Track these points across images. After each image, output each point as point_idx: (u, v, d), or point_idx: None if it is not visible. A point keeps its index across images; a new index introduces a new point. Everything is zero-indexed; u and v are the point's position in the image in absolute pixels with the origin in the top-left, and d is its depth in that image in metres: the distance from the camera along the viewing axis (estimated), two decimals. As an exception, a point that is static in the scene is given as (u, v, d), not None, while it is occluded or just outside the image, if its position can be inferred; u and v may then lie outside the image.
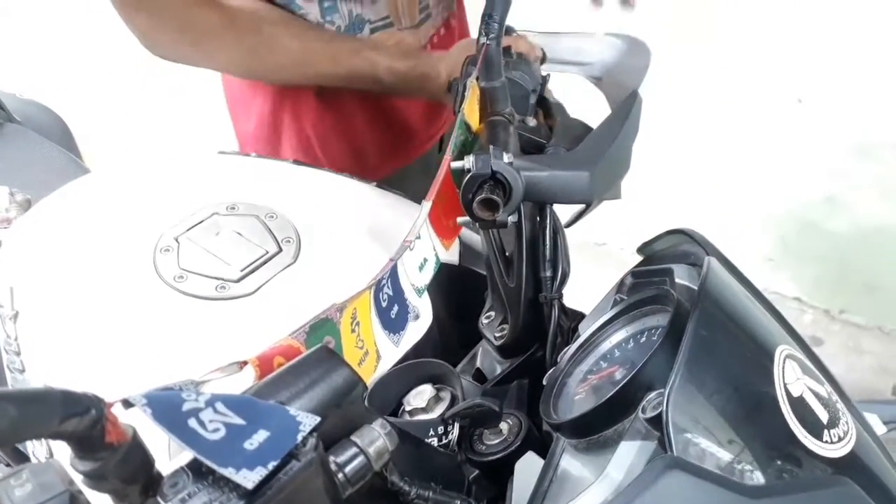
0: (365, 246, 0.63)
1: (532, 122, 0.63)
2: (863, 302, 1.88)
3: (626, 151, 0.58)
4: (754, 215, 1.93)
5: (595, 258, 2.13)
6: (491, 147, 0.51)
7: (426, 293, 0.55)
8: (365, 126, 0.91)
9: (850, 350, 1.83)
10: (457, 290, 0.67)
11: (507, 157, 0.50)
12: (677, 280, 0.51)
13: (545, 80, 0.68)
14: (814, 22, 1.63)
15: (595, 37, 0.77)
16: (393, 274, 0.49)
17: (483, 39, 0.55)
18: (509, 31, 0.79)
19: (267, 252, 0.59)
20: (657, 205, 2.05)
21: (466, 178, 0.50)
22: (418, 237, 0.51)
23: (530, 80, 0.65)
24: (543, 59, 0.76)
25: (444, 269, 0.56)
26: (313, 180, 0.74)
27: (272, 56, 0.78)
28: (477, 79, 0.57)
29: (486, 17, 0.55)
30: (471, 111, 0.57)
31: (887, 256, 1.78)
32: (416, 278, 0.53)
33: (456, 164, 0.51)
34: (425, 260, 0.53)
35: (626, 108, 0.59)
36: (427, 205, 0.52)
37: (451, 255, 0.66)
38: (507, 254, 0.60)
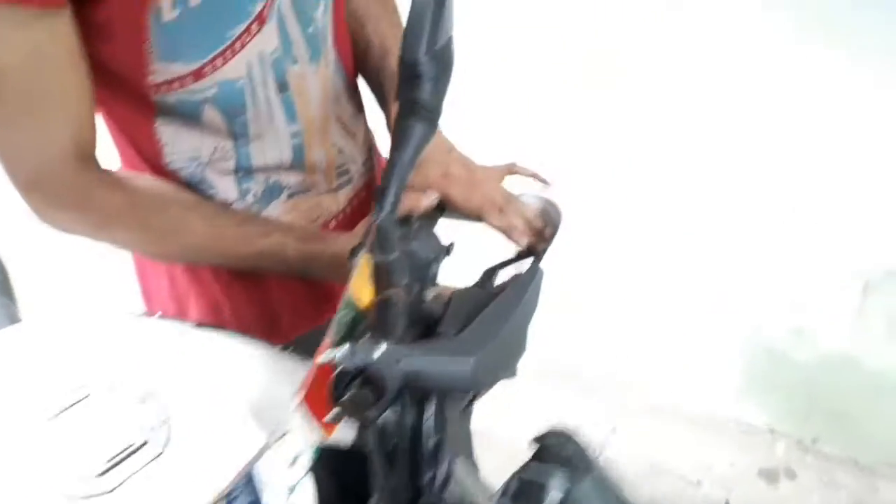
0: (244, 430, 0.58)
1: (431, 294, 0.60)
2: (835, 432, 1.82)
3: (520, 332, 0.55)
4: (721, 347, 1.89)
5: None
6: (367, 337, 0.47)
7: (304, 485, 0.50)
8: (279, 289, 0.88)
9: (825, 485, 1.76)
10: (351, 473, 0.62)
11: (380, 349, 0.46)
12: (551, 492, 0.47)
13: (449, 248, 0.66)
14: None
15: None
16: (249, 482, 0.45)
17: (375, 215, 0.52)
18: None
19: (132, 444, 0.54)
20: (627, 330, 2.02)
21: (334, 374, 0.46)
22: (285, 434, 0.47)
23: (431, 249, 0.62)
24: (441, 208, 0.75)
25: (337, 452, 0.52)
26: (209, 349, 0.70)
27: (179, 238, 0.75)
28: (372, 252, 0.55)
29: (380, 192, 0.53)
30: (359, 287, 0.55)
31: (855, 386, 1.74)
32: (284, 475, 0.49)
33: (323, 358, 0.47)
34: (296, 456, 0.49)
35: (524, 284, 0.56)
36: (298, 397, 0.49)
37: (345, 435, 0.62)
38: (388, 449, 0.56)
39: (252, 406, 0.61)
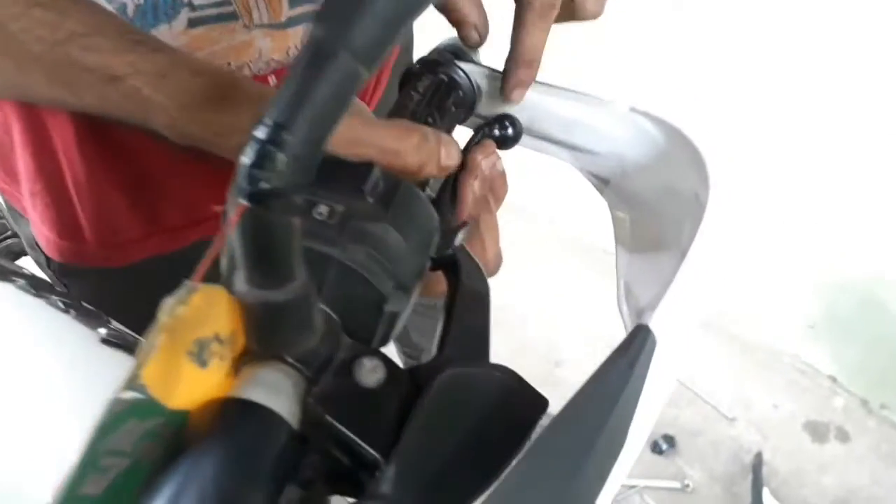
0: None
1: (370, 369, 0.28)
2: (911, 401, 1.53)
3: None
4: (805, 274, 1.56)
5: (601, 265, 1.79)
6: None
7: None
8: (160, 171, 0.55)
9: (880, 457, 1.49)
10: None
11: None
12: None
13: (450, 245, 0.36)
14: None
15: (611, 107, 0.42)
16: None
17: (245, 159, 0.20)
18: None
19: None
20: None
21: None
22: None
23: (398, 251, 0.32)
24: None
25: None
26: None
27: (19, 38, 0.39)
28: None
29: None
30: (171, 365, 0.21)
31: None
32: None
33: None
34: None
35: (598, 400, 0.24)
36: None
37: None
38: None
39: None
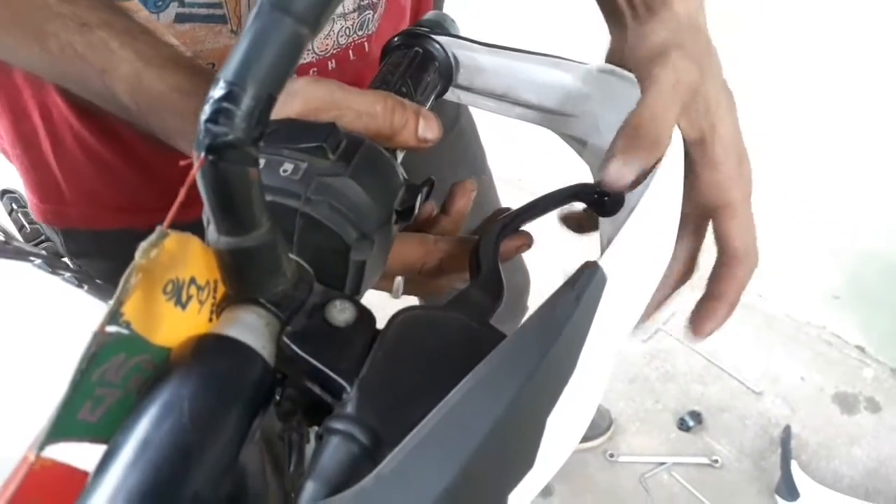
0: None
1: (340, 310, 0.29)
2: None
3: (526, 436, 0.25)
4: (827, 244, 1.55)
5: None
6: None
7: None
8: (141, 151, 0.57)
9: (914, 426, 1.48)
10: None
11: None
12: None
13: (417, 192, 0.37)
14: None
15: (585, 70, 0.43)
16: None
17: (202, 115, 0.22)
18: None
19: None
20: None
21: None
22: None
23: (368, 206, 0.34)
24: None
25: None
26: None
27: None
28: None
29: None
30: (151, 305, 0.23)
31: None
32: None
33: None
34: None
35: (546, 325, 0.25)
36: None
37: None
38: None
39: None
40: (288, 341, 0.27)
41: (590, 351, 0.26)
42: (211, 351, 0.25)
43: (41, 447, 0.21)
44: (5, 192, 0.71)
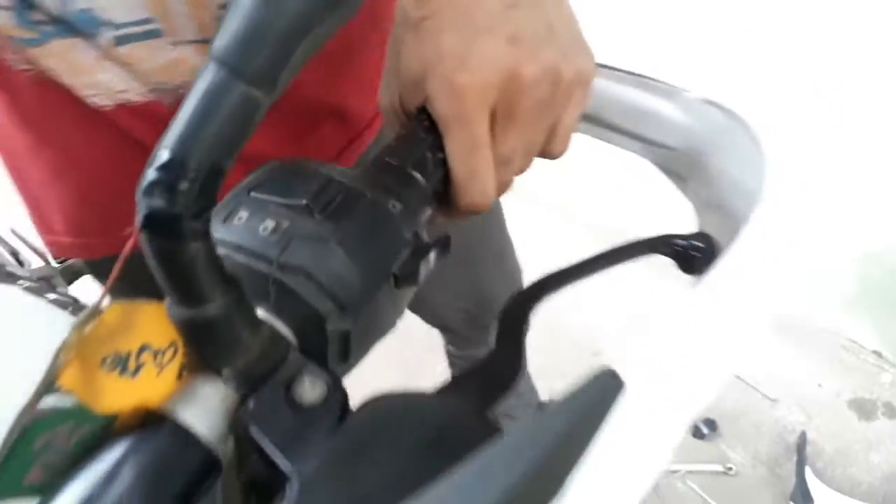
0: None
1: (309, 386, 0.27)
2: (961, 373, 1.49)
3: None
4: (843, 249, 1.54)
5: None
6: None
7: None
8: (108, 179, 0.57)
9: (932, 431, 1.46)
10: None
11: None
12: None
13: (425, 252, 0.33)
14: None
15: (686, 98, 0.38)
16: None
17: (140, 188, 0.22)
18: None
19: None
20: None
21: None
22: None
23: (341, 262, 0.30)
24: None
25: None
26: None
27: None
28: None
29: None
30: (89, 369, 0.24)
31: None
32: None
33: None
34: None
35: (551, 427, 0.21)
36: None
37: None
38: None
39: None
40: (243, 417, 0.26)
41: (592, 469, 0.22)
42: (151, 433, 0.25)
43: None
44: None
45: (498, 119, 0.34)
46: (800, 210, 0.30)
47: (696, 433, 1.51)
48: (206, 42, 0.51)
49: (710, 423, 1.52)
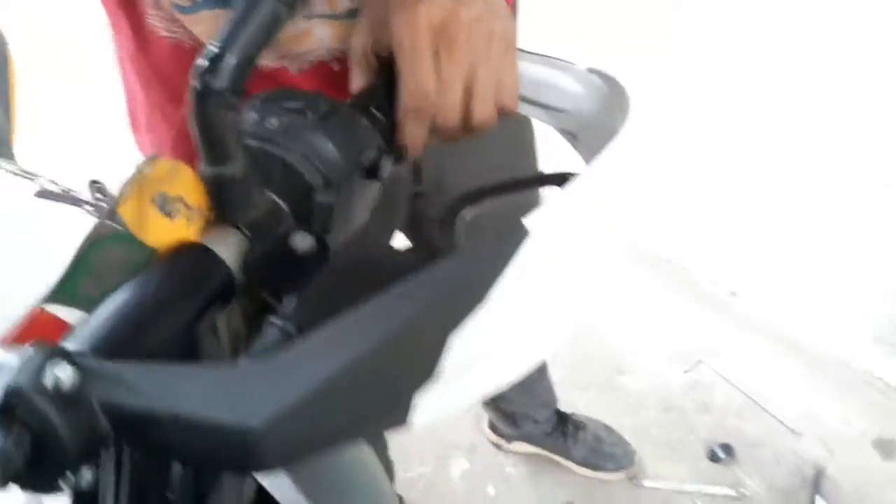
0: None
1: (301, 240, 0.37)
2: None
3: (419, 351, 0.29)
4: (870, 288, 1.54)
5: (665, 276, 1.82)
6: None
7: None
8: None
9: (956, 477, 1.43)
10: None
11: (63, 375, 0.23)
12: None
13: (383, 154, 0.45)
14: None
15: (572, 70, 0.49)
16: None
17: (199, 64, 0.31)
18: None
19: None
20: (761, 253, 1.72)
21: None
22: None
23: (334, 152, 0.41)
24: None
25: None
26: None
27: None
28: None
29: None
30: (146, 212, 0.33)
31: None
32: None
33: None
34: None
35: (465, 260, 0.30)
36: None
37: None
38: None
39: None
40: (252, 257, 0.36)
41: (510, 290, 0.30)
42: (186, 253, 0.34)
43: (44, 302, 0.30)
44: (94, 182, 0.85)
45: (440, 50, 0.45)
46: (647, 146, 0.38)
47: (713, 457, 1.52)
48: (332, 17, 0.60)
49: (727, 448, 1.52)
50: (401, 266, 0.34)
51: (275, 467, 0.25)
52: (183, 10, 0.57)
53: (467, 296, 0.29)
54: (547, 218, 0.31)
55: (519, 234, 0.30)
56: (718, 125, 1.50)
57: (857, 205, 1.50)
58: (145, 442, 0.25)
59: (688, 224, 1.69)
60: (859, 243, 1.53)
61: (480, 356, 0.30)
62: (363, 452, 0.54)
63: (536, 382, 1.40)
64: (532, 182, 0.45)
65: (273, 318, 0.34)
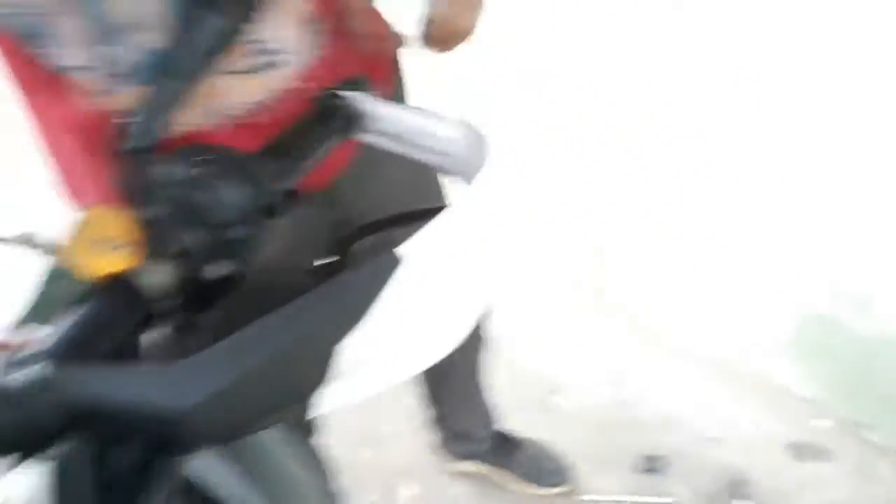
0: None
1: (214, 271, 0.47)
2: (887, 419, 1.60)
3: (316, 354, 0.37)
4: (775, 297, 1.67)
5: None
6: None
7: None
8: None
9: (862, 475, 1.56)
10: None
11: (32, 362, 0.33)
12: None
13: (284, 197, 0.51)
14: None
15: (450, 120, 0.56)
16: None
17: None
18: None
19: None
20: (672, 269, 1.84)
21: None
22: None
23: (241, 197, 0.47)
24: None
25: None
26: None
27: None
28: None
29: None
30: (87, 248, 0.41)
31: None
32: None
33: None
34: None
35: (358, 279, 0.38)
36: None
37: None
38: None
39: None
40: (176, 282, 0.43)
41: (391, 307, 0.37)
42: (111, 286, 0.40)
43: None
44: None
45: None
46: (503, 185, 0.46)
47: (641, 468, 1.61)
48: (247, 73, 0.67)
49: (655, 460, 1.62)
50: (301, 287, 0.40)
51: (205, 444, 0.33)
52: (104, 93, 0.63)
53: (348, 313, 0.36)
54: (416, 246, 0.39)
55: (392, 262, 0.37)
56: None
57: (762, 218, 1.63)
58: (100, 428, 0.32)
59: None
60: (765, 257, 1.66)
61: (370, 358, 0.37)
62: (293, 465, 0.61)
63: (477, 396, 1.48)
64: (416, 216, 0.53)
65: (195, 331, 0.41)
